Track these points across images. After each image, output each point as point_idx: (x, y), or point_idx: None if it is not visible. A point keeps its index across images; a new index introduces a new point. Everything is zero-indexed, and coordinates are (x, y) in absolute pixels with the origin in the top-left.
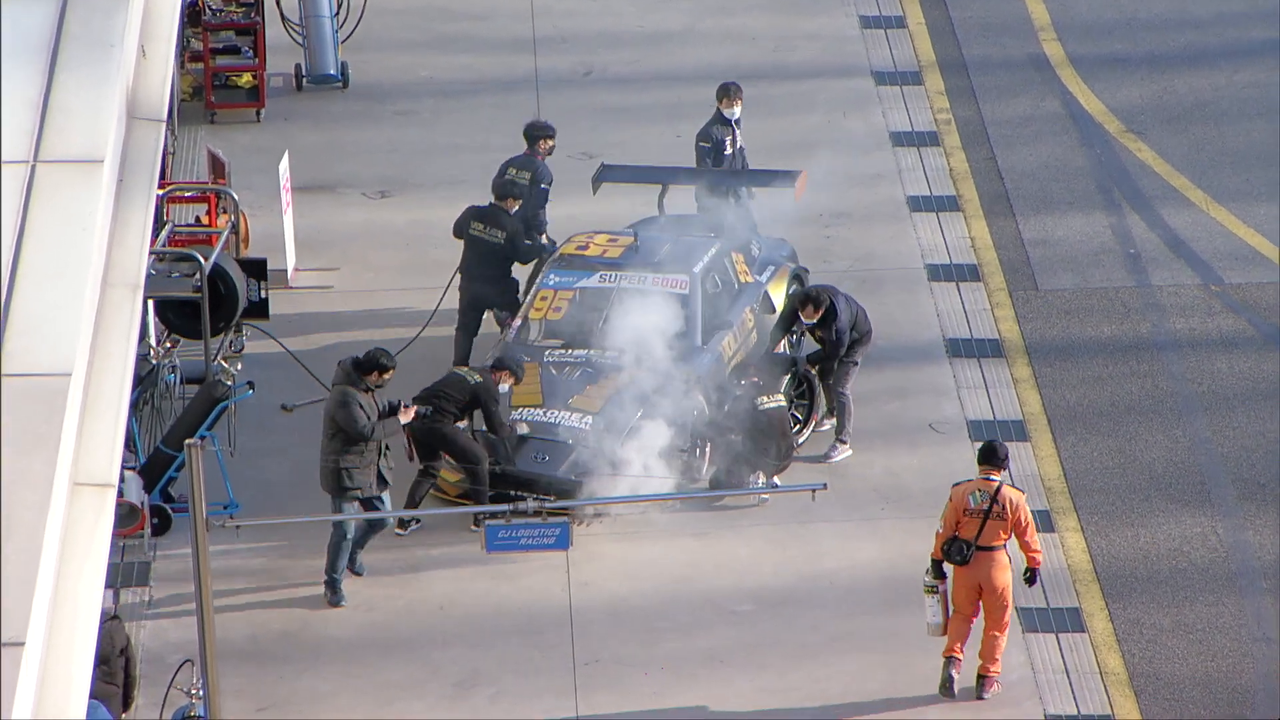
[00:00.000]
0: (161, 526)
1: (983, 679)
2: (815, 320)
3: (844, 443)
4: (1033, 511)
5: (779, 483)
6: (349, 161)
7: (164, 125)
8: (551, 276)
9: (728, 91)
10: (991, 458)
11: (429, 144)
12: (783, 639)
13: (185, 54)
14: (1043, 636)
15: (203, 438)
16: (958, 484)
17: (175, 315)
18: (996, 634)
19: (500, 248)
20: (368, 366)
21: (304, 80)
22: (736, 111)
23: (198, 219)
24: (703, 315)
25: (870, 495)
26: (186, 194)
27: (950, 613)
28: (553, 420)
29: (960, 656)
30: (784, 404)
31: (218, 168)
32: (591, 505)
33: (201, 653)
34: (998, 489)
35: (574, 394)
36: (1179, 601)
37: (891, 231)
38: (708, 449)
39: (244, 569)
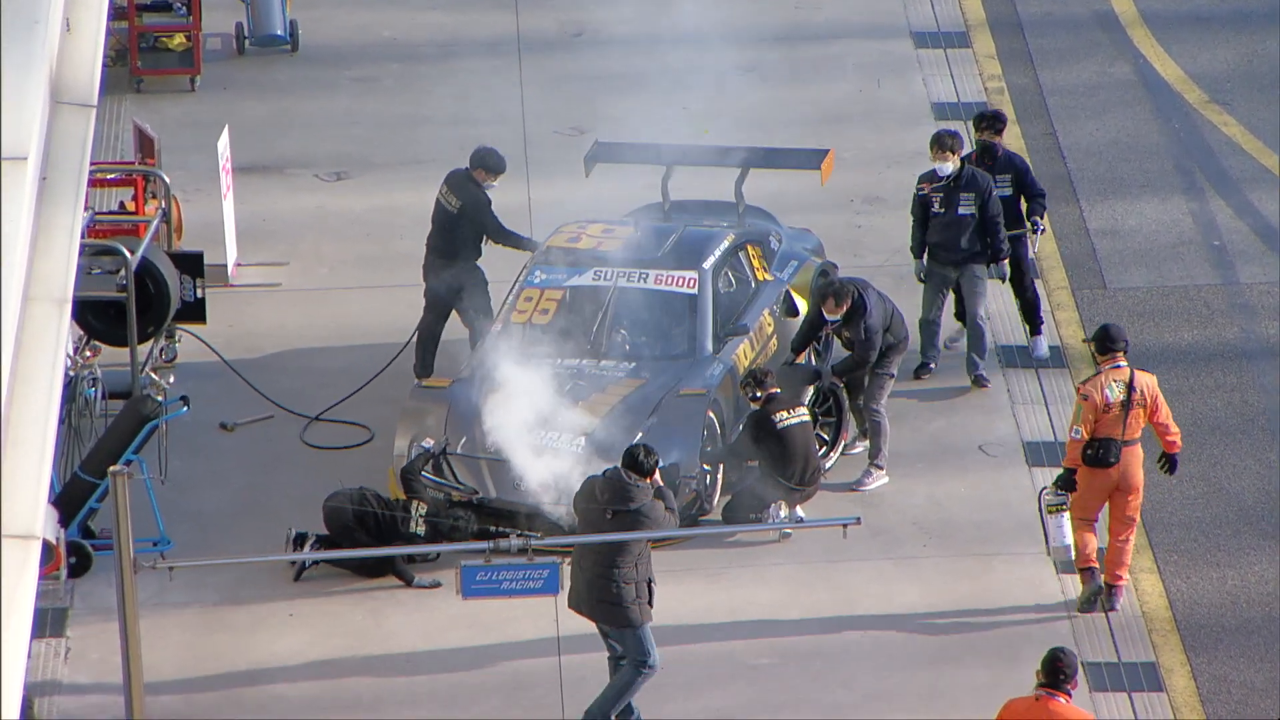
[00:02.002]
0: (80, 566)
1: (1112, 588)
2: (839, 317)
3: (879, 468)
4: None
5: (804, 515)
6: (299, 138)
7: (94, 111)
8: (537, 274)
9: (992, 122)
10: (1113, 342)
11: (392, 117)
12: (809, 698)
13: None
14: (1113, 696)
15: (129, 462)
16: (1084, 381)
17: (96, 319)
18: (1127, 537)
19: (453, 217)
20: (648, 468)
21: (246, 42)
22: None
23: (122, 205)
24: (714, 319)
25: (910, 530)
26: (109, 176)
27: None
28: (538, 441)
29: (1099, 567)
30: (808, 419)
31: (145, 145)
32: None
33: (128, 715)
34: (1131, 375)
35: (562, 411)
36: (1272, 655)
37: None
38: (720, 475)
39: (177, 616)
